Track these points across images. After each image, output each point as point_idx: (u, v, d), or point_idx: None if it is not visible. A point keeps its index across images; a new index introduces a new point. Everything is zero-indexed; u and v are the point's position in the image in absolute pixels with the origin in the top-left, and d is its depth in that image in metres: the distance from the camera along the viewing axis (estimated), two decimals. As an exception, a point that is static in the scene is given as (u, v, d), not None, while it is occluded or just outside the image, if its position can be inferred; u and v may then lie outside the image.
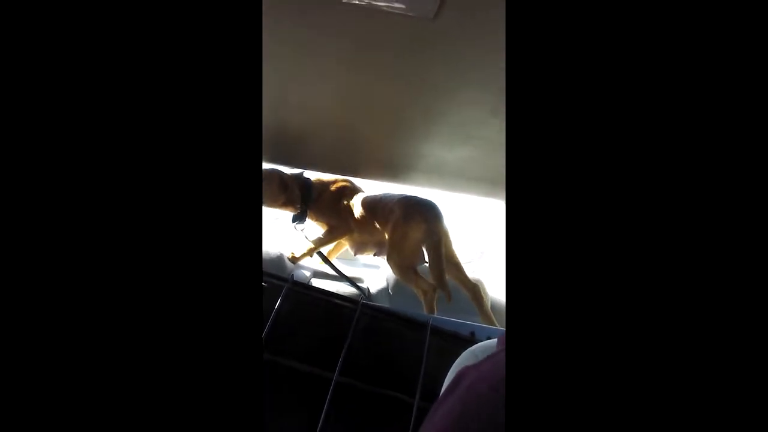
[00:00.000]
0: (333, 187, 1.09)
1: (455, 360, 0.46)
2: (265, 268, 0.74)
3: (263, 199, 1.02)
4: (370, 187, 1.11)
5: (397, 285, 1.04)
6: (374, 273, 1.16)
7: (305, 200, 1.05)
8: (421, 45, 0.56)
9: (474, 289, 0.98)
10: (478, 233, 1.20)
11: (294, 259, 1.05)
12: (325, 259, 1.07)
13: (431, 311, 0.91)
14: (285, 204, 1.05)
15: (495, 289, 1.04)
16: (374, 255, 1.08)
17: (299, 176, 1.07)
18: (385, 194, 1.05)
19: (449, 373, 0.43)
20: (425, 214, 0.96)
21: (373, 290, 1.08)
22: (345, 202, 1.07)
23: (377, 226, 1.02)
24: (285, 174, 1.05)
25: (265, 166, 1.03)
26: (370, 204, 1.04)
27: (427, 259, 0.95)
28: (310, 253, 1.06)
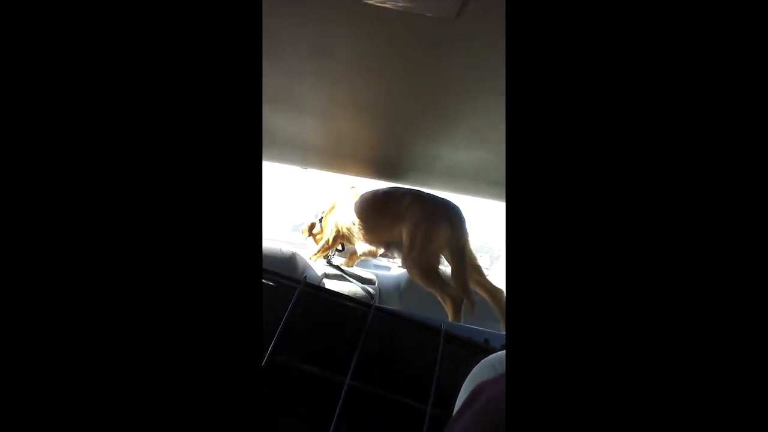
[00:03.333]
0: (329, 208, 1.17)
1: (469, 367, 0.45)
2: (277, 267, 0.74)
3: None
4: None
5: (408, 287, 1.03)
6: (385, 274, 1.16)
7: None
8: (439, 47, 0.55)
9: (497, 295, 0.92)
10: (490, 239, 1.18)
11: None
12: (334, 265, 1.13)
13: (458, 320, 0.85)
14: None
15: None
16: (381, 256, 1.04)
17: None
18: (390, 188, 0.98)
19: (465, 384, 0.42)
20: (450, 216, 0.89)
21: (383, 292, 1.07)
22: (332, 219, 1.11)
23: (385, 222, 0.96)
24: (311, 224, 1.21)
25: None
26: (373, 201, 0.99)
27: (447, 263, 0.91)
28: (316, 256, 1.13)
